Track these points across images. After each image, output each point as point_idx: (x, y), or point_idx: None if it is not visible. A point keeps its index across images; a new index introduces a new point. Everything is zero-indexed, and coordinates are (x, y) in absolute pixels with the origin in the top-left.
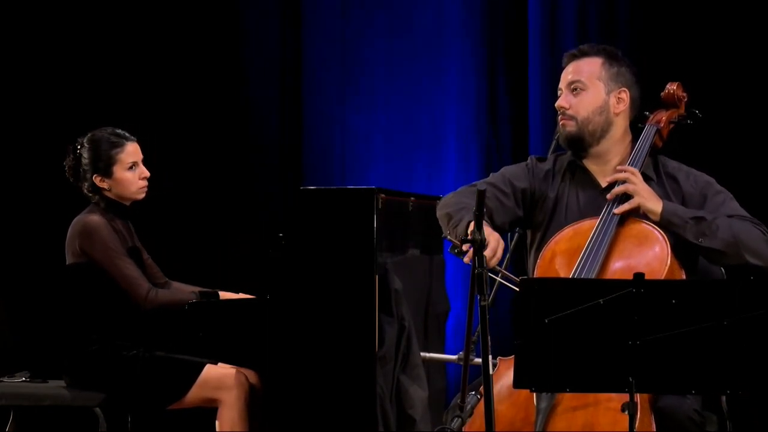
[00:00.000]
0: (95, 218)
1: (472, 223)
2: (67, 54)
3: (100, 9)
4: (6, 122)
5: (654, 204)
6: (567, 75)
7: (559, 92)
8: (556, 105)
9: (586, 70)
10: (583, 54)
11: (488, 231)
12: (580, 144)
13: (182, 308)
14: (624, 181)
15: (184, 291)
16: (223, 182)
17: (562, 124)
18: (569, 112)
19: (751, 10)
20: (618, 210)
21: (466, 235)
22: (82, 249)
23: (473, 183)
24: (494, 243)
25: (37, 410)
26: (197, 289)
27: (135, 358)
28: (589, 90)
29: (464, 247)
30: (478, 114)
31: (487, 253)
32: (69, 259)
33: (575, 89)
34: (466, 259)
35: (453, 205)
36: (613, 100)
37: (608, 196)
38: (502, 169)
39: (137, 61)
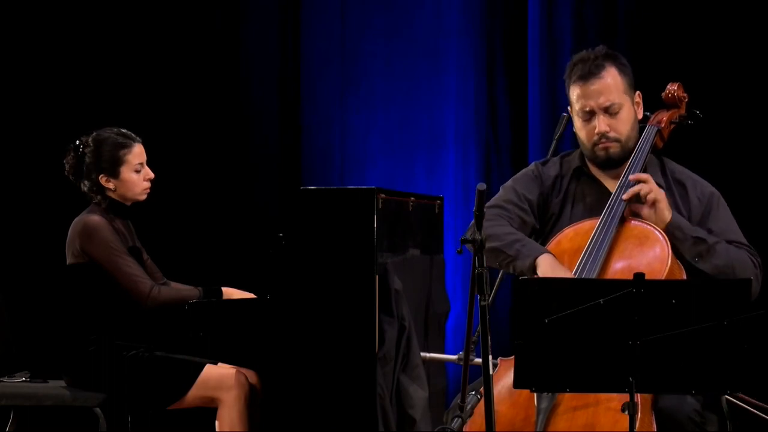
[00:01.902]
0: (96, 218)
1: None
2: (69, 56)
3: (100, 14)
4: (6, 123)
5: (665, 212)
6: (597, 98)
7: (584, 114)
8: (595, 130)
9: (615, 89)
10: (598, 69)
11: (563, 271)
12: (620, 161)
13: (182, 307)
14: (638, 181)
15: (188, 288)
16: (223, 182)
17: (605, 148)
18: (612, 134)
19: (750, 10)
20: (626, 196)
21: (532, 275)
22: (83, 249)
23: (495, 203)
24: None
25: (37, 410)
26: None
27: (135, 359)
28: (624, 107)
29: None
30: (478, 114)
31: None
32: (69, 259)
33: (612, 111)
34: None
35: (499, 238)
36: (635, 107)
37: (624, 196)
38: (512, 182)
39: (138, 62)
